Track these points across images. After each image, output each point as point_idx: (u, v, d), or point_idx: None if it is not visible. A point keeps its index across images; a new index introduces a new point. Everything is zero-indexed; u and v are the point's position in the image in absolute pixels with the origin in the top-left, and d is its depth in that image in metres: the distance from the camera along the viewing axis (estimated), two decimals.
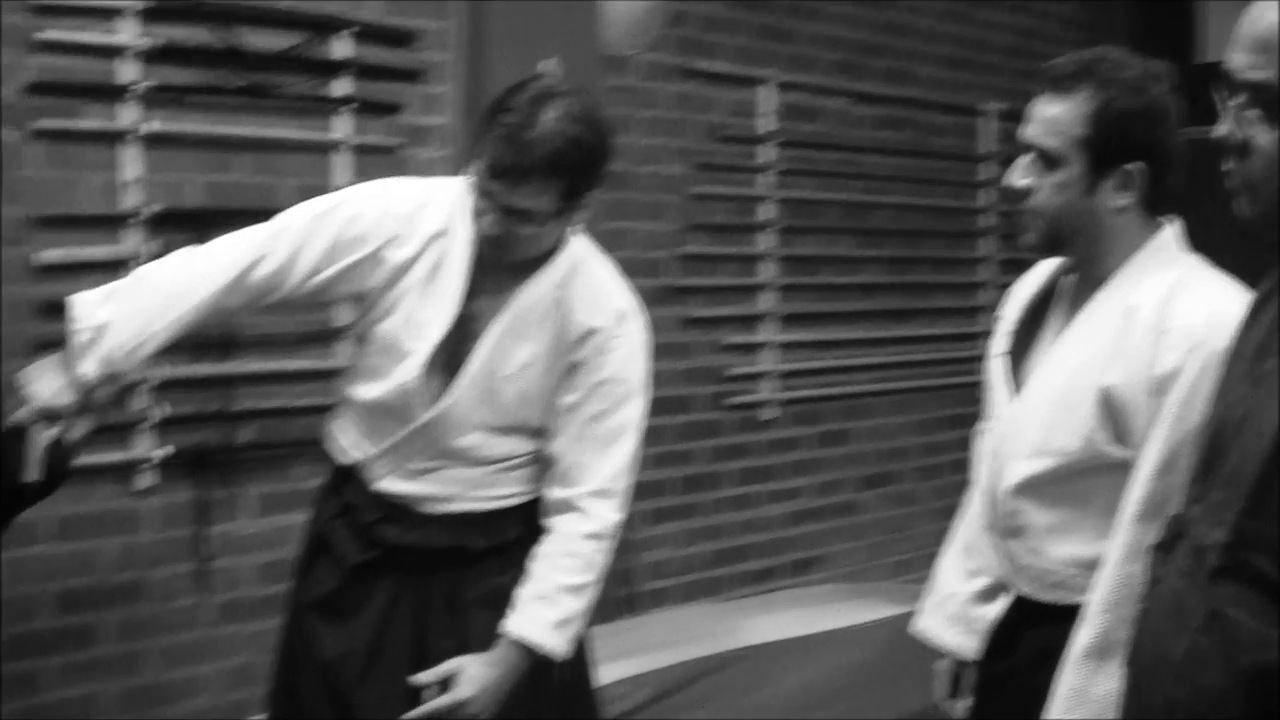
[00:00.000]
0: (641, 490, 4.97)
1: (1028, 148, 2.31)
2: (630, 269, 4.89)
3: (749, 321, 5.46)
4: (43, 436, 2.38)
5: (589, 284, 2.62)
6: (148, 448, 3.87)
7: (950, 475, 5.59)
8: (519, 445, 2.66)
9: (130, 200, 3.83)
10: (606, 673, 3.99)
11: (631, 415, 2.67)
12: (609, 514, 2.65)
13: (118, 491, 3.85)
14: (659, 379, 5.00)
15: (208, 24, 3.94)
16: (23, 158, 3.66)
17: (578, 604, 2.63)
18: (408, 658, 2.68)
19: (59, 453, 2.45)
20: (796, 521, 5.63)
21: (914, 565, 5.40)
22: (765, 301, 5.50)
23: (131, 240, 3.82)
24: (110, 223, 3.81)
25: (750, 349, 5.46)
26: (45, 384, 2.43)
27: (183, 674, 3.94)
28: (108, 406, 2.53)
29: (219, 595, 4.01)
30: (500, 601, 2.63)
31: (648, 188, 5.09)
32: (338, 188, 3.99)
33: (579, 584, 2.63)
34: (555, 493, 2.65)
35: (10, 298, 3.63)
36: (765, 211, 5.47)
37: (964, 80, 6.20)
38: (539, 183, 2.40)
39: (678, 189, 5.19)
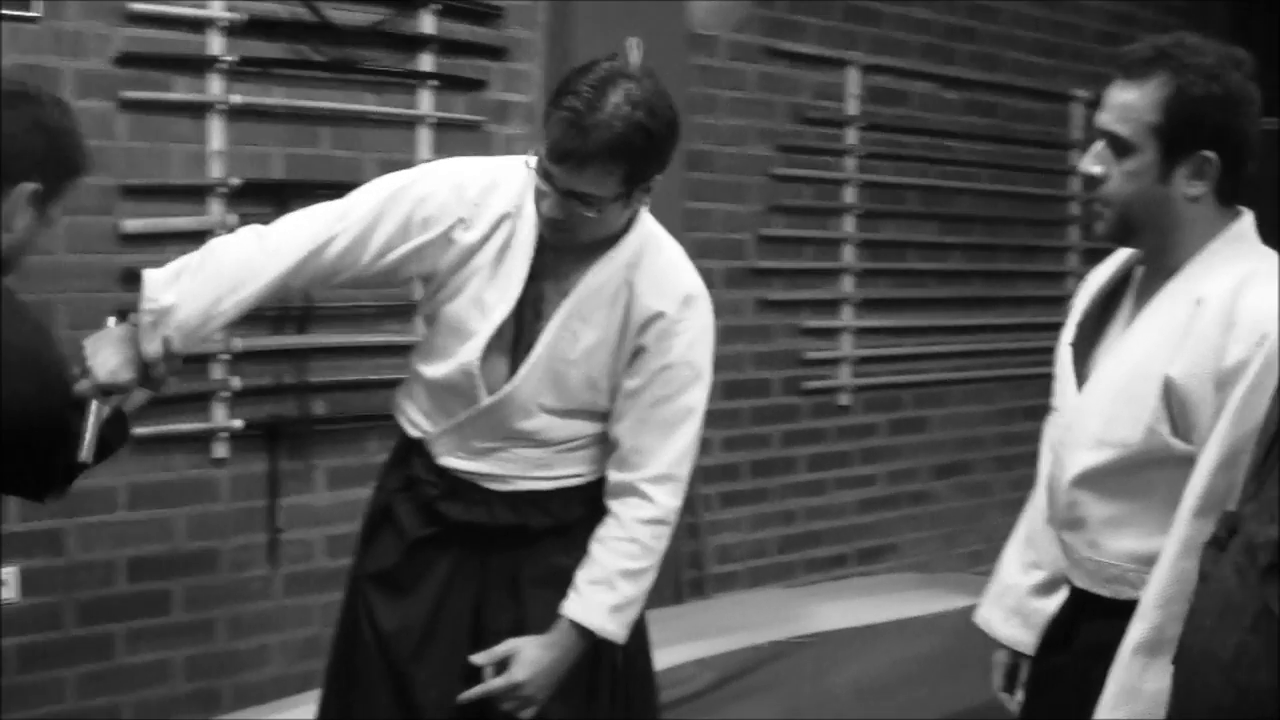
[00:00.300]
0: (713, 473, 5.03)
1: (1102, 134, 2.27)
2: (711, 250, 4.95)
3: (828, 306, 5.43)
4: (99, 411, 2.38)
5: (655, 268, 2.59)
6: (223, 418, 3.91)
7: (1027, 467, 5.47)
8: (583, 427, 2.65)
9: (215, 171, 3.86)
10: (672, 655, 4.01)
11: (695, 400, 2.63)
12: (669, 499, 2.63)
13: (192, 461, 3.90)
14: (736, 361, 5.08)
15: None
16: (111, 127, 3.71)
17: (635, 589, 2.62)
18: (464, 634, 2.68)
19: (115, 427, 2.45)
20: (868, 509, 5.59)
21: (986, 556, 5.31)
22: (845, 286, 5.45)
23: (215, 211, 3.85)
24: (195, 193, 3.85)
25: (828, 333, 5.43)
26: (106, 358, 2.41)
27: (252, 643, 3.99)
28: (166, 381, 2.53)
29: (289, 566, 4.05)
30: (560, 582, 2.62)
31: (730, 169, 5.06)
32: (420, 162, 4.01)
33: (637, 569, 2.61)
34: (617, 476, 2.63)
35: (96, 265, 3.69)
36: (848, 195, 5.42)
37: (1055, 66, 6.10)
38: (600, 167, 2.37)
39: (760, 170, 5.15)
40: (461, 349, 2.58)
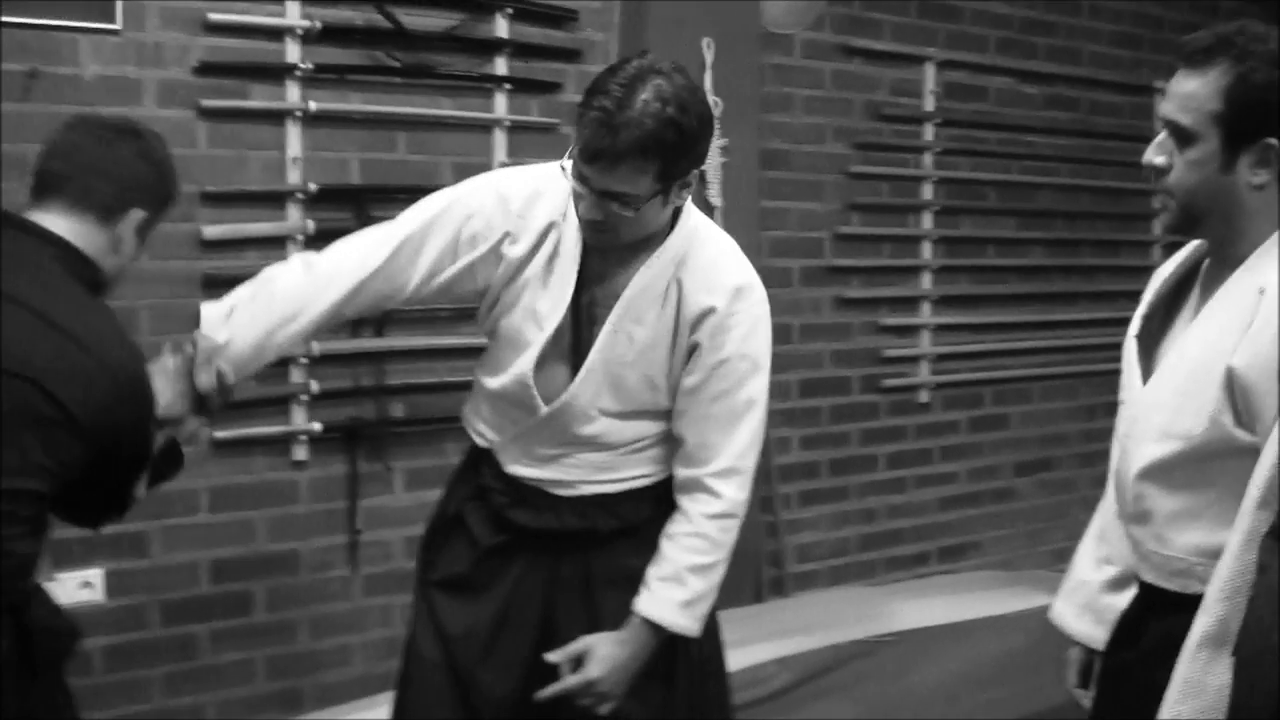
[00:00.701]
0: (792, 472, 5.02)
1: (1164, 124, 2.24)
2: (788, 249, 4.95)
3: (907, 303, 5.40)
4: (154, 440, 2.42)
5: (703, 263, 2.57)
6: (302, 421, 3.96)
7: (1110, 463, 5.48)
8: (646, 428, 2.65)
9: (293, 177, 3.91)
10: (752, 654, 4.01)
11: (755, 391, 2.62)
12: (736, 493, 2.62)
13: (273, 464, 3.96)
14: (814, 359, 5.07)
15: (369, 5, 4.00)
16: (191, 135, 3.77)
17: (705, 583, 2.62)
18: (532, 637, 2.70)
19: (168, 457, 2.48)
20: (949, 507, 5.56)
21: (1069, 554, 5.23)
22: (924, 283, 5.42)
23: (293, 216, 3.91)
24: (273, 199, 3.90)
25: (907, 331, 5.40)
26: (161, 391, 2.42)
27: (332, 643, 4.04)
28: (220, 410, 2.57)
29: (369, 567, 4.09)
30: (631, 583, 2.63)
31: (807, 167, 5.05)
32: (496, 166, 4.05)
33: (706, 563, 2.61)
34: (683, 473, 2.64)
35: (178, 271, 3.76)
36: (926, 192, 5.39)
37: (1136, 58, 6.02)
38: (632, 165, 2.35)
39: (837, 168, 5.13)
40: (518, 360, 2.59)
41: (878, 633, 4.35)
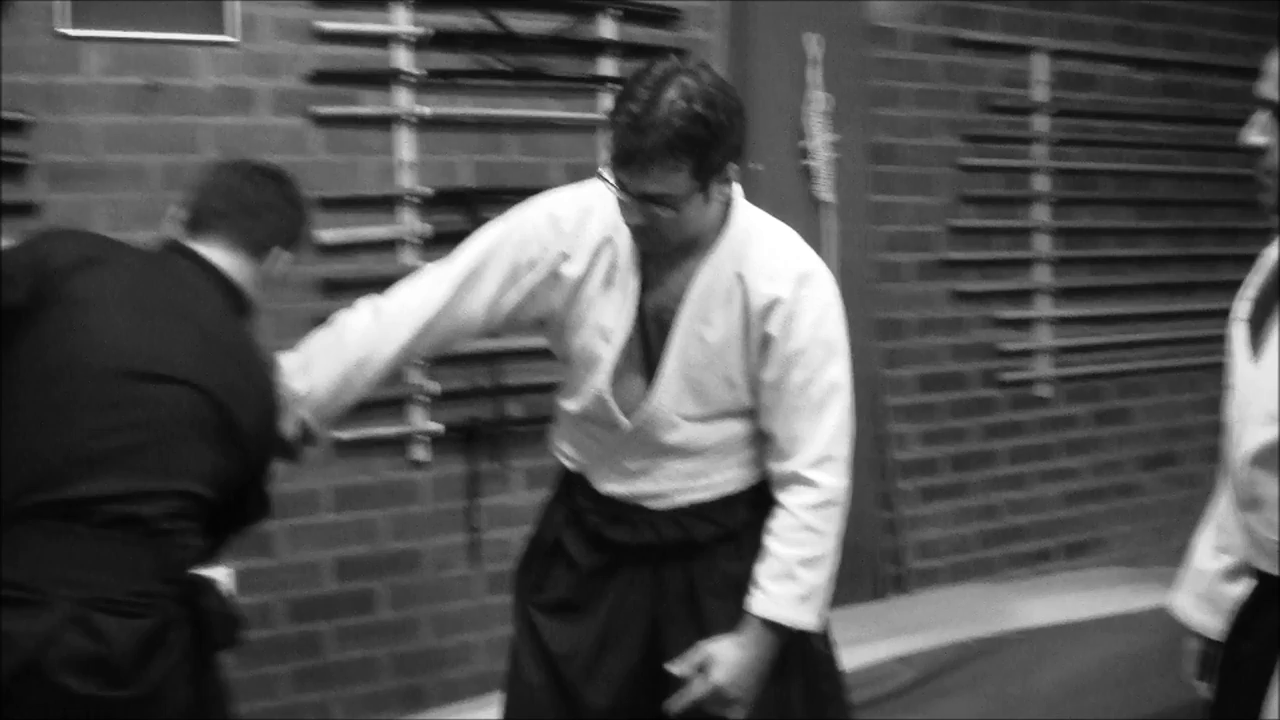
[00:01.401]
0: (911, 468, 4.98)
1: (1263, 104, 2.18)
2: (900, 243, 4.93)
3: (1023, 296, 5.34)
4: None
5: (762, 255, 2.54)
6: (422, 422, 4.02)
7: None
8: (732, 429, 2.62)
9: (405, 181, 3.98)
10: (874, 652, 3.99)
11: (835, 375, 2.58)
12: (832, 479, 2.58)
13: (393, 464, 4.02)
14: (931, 354, 5.03)
15: (477, 10, 4.06)
16: (305, 143, 3.86)
17: (817, 575, 2.58)
18: (637, 652, 2.68)
19: (258, 496, 2.58)
20: (1072, 502, 5.48)
21: None
22: (1039, 275, 5.36)
23: (406, 220, 3.97)
24: (386, 203, 3.97)
25: (1024, 324, 5.34)
26: None
27: (454, 641, 4.09)
28: (304, 452, 2.67)
29: (489, 566, 4.13)
30: (735, 590, 2.60)
31: (916, 160, 5.03)
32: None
33: (814, 555, 2.57)
34: (777, 468, 2.60)
35: (296, 275, 3.79)
36: (1039, 183, 5.33)
37: (1252, 41, 5.88)
38: (664, 165, 2.34)
39: (948, 161, 5.10)
40: (592, 378, 2.59)
41: (1001, 630, 4.29)
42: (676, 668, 2.58)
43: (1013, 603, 4.54)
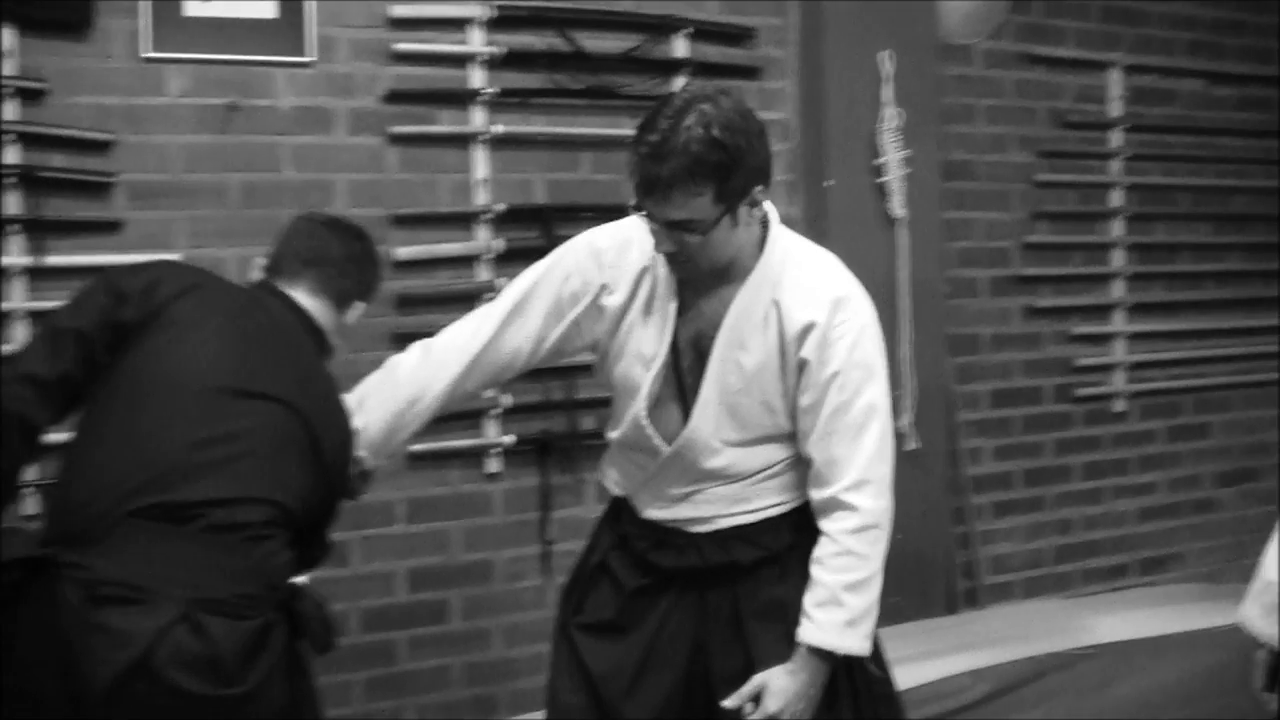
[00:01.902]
0: (985, 483, 4.98)
1: None
2: (974, 259, 4.94)
3: (1098, 311, 5.32)
4: None
5: (798, 280, 2.58)
6: (495, 434, 4.08)
7: None
8: (773, 454, 2.66)
9: (480, 199, 4.05)
10: (946, 666, 3.98)
11: (873, 398, 2.59)
12: (872, 502, 2.59)
13: (467, 476, 4.09)
14: (1004, 369, 5.03)
15: (550, 30, 4.12)
16: (381, 161, 3.94)
17: (863, 600, 2.60)
18: (680, 671, 2.71)
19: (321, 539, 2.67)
20: (1148, 518, 5.44)
21: None
22: (1116, 290, 5.34)
23: (481, 237, 4.04)
24: (461, 220, 4.05)
25: (1100, 339, 5.32)
26: None
27: (526, 652, 4.11)
28: (365, 489, 2.79)
29: (560, 578, 4.11)
30: (780, 613, 2.63)
31: (991, 177, 5.04)
32: None
33: (859, 579, 2.59)
34: (818, 495, 2.62)
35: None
36: (1114, 199, 5.31)
37: None
38: (685, 191, 2.38)
39: (1022, 177, 5.10)
40: (632, 405, 2.64)
41: (1074, 646, 4.25)
42: (731, 701, 2.60)
43: (1087, 618, 4.49)
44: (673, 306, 2.59)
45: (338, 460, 2.44)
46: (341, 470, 2.48)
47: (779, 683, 2.58)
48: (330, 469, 2.41)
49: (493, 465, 4.10)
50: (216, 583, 2.12)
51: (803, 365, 2.55)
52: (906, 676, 3.96)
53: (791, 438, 2.64)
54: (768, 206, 2.60)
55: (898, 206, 4.53)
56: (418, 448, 3.91)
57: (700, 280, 2.57)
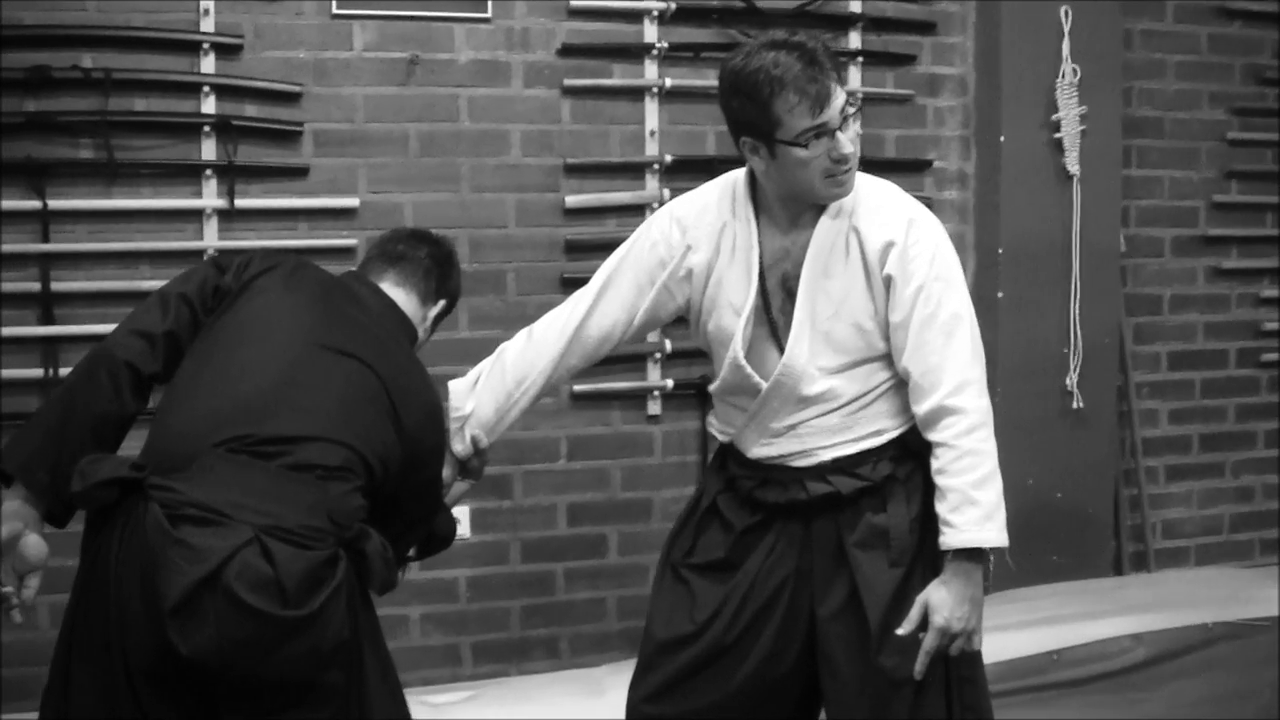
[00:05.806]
0: (1158, 445, 4.94)
1: None
2: (1157, 217, 4.88)
3: None
4: None
5: (870, 207, 2.69)
6: (656, 378, 4.23)
7: None
8: (868, 378, 2.74)
9: (650, 150, 4.18)
10: (1106, 627, 3.97)
11: (957, 305, 2.69)
12: (974, 401, 2.68)
13: (628, 417, 4.25)
14: (1186, 331, 4.97)
15: None
16: (556, 112, 4.11)
17: (991, 493, 2.67)
18: (784, 605, 2.81)
19: (442, 520, 2.84)
20: None
21: None
22: None
23: (651, 186, 4.17)
24: (632, 170, 4.19)
25: None
26: None
27: None
28: (483, 469, 2.93)
29: None
30: (881, 541, 2.74)
31: (1179, 134, 4.94)
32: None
33: (983, 475, 2.66)
34: (922, 408, 2.70)
35: (542, 237, 4.11)
36: None
37: None
38: (837, 79, 2.60)
39: (1213, 135, 4.99)
40: (728, 351, 2.75)
41: (1244, 617, 4.19)
42: (903, 628, 2.67)
43: (1263, 589, 4.39)
44: (755, 254, 2.71)
45: (420, 433, 2.55)
46: (428, 445, 2.61)
47: (937, 596, 2.66)
48: (412, 440, 2.53)
49: (654, 407, 4.24)
50: (287, 513, 2.27)
51: (888, 281, 2.67)
52: (1067, 635, 3.99)
53: (885, 359, 2.74)
54: None
55: (1073, 163, 4.50)
56: (580, 387, 4.08)
57: (781, 220, 2.71)
